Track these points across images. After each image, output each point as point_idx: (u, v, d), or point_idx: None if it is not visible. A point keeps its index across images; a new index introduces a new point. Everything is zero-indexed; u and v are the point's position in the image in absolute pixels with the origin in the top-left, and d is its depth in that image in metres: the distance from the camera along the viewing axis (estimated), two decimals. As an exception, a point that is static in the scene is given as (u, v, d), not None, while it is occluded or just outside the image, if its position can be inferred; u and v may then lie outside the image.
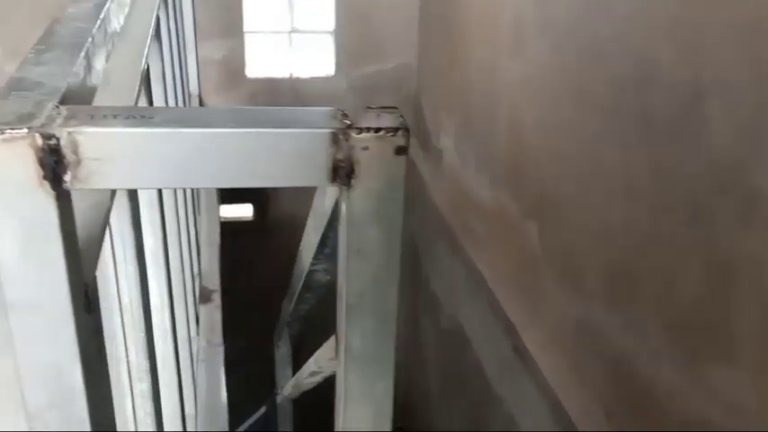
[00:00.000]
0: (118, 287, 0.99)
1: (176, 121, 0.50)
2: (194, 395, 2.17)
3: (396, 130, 0.54)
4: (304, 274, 1.83)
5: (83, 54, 0.73)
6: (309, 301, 2.06)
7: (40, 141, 0.48)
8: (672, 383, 1.88)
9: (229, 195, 4.90)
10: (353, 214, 0.57)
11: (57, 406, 0.56)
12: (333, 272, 1.24)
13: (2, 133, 0.47)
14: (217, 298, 2.86)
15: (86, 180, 0.50)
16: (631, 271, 2.08)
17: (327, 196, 1.28)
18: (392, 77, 4.66)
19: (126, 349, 1.05)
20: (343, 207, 0.57)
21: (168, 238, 1.66)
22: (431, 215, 4.09)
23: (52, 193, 0.49)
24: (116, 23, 1.09)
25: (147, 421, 1.12)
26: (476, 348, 3.28)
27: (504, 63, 3.01)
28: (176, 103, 2.33)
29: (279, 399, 3.48)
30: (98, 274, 0.95)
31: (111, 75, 1.00)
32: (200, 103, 4.44)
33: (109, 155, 0.50)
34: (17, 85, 0.58)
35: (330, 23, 4.51)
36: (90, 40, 0.79)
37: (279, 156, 0.53)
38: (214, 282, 3.03)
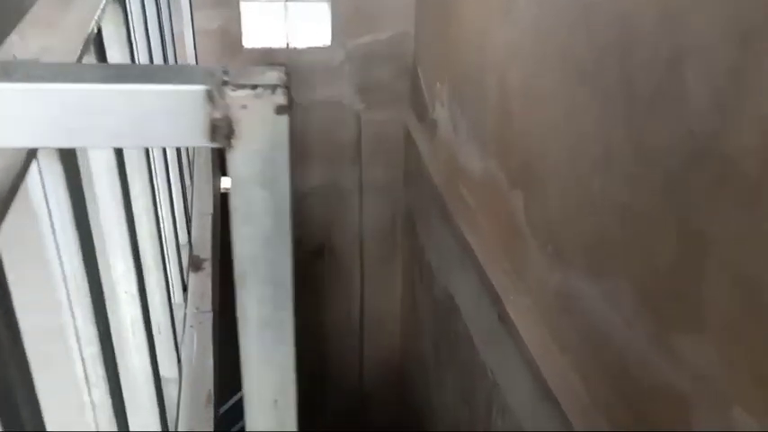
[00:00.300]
0: (60, 255, 0.99)
1: (38, 77, 0.50)
2: (177, 360, 2.20)
3: (274, 87, 0.52)
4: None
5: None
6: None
7: None
8: (643, 352, 1.88)
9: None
10: (237, 177, 0.55)
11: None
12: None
13: None
14: (208, 266, 2.87)
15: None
16: (609, 240, 2.08)
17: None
18: (389, 47, 4.62)
19: (73, 315, 1.06)
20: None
21: (137, 204, 1.67)
22: (426, 186, 4.08)
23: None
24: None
25: (101, 384, 1.13)
26: (464, 317, 3.30)
27: (495, 30, 2.97)
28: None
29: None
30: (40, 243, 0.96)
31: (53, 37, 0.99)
32: (196, 74, 4.43)
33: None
34: None
35: (326, -8, 4.46)
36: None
37: (152, 115, 0.51)
38: (206, 251, 3.05)
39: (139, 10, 1.94)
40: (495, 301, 2.82)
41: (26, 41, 0.98)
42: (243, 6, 4.46)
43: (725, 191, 1.59)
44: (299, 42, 4.54)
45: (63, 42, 1.06)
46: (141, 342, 1.59)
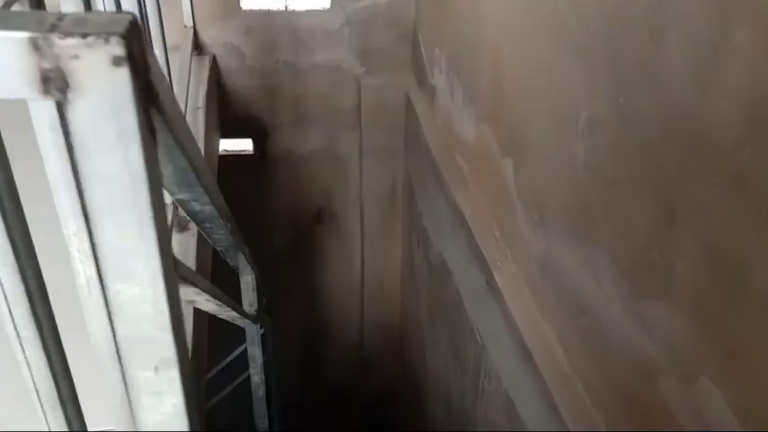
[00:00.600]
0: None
1: None
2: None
3: (108, 35, 0.45)
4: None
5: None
6: (214, 232, 1.95)
7: None
8: (617, 319, 1.92)
9: (230, 130, 4.93)
10: (78, 135, 0.50)
11: None
12: (201, 199, 1.26)
13: None
14: (194, 227, 2.89)
15: None
16: (590, 210, 2.09)
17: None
18: (390, 11, 4.57)
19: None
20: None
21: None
22: (423, 152, 4.09)
23: None
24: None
25: (32, 340, 1.15)
26: (457, 282, 3.34)
27: (489, -4, 2.94)
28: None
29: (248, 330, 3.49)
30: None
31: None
32: (195, 36, 4.42)
33: None
34: None
35: (325, -47, 4.41)
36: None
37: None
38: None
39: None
40: (484, 266, 2.86)
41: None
42: (241, -33, 4.42)
43: (697, 162, 1.60)
44: (298, 4, 4.51)
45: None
46: (98, 302, 1.63)
